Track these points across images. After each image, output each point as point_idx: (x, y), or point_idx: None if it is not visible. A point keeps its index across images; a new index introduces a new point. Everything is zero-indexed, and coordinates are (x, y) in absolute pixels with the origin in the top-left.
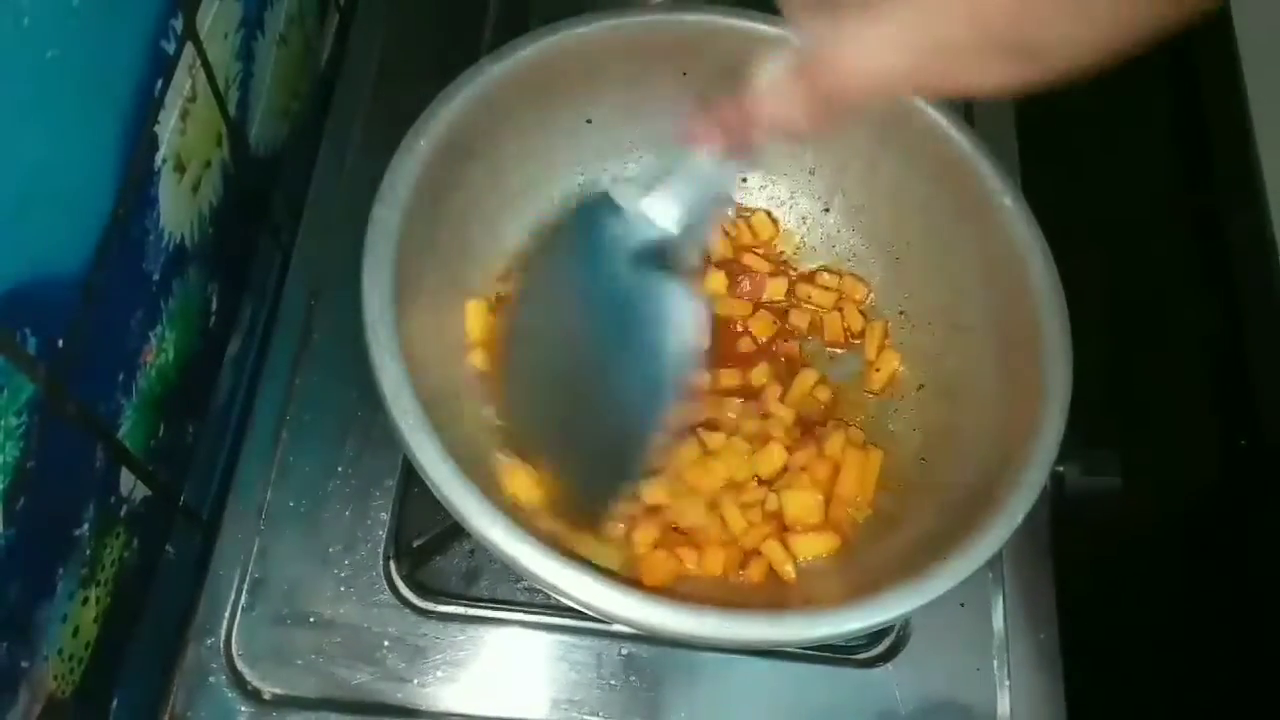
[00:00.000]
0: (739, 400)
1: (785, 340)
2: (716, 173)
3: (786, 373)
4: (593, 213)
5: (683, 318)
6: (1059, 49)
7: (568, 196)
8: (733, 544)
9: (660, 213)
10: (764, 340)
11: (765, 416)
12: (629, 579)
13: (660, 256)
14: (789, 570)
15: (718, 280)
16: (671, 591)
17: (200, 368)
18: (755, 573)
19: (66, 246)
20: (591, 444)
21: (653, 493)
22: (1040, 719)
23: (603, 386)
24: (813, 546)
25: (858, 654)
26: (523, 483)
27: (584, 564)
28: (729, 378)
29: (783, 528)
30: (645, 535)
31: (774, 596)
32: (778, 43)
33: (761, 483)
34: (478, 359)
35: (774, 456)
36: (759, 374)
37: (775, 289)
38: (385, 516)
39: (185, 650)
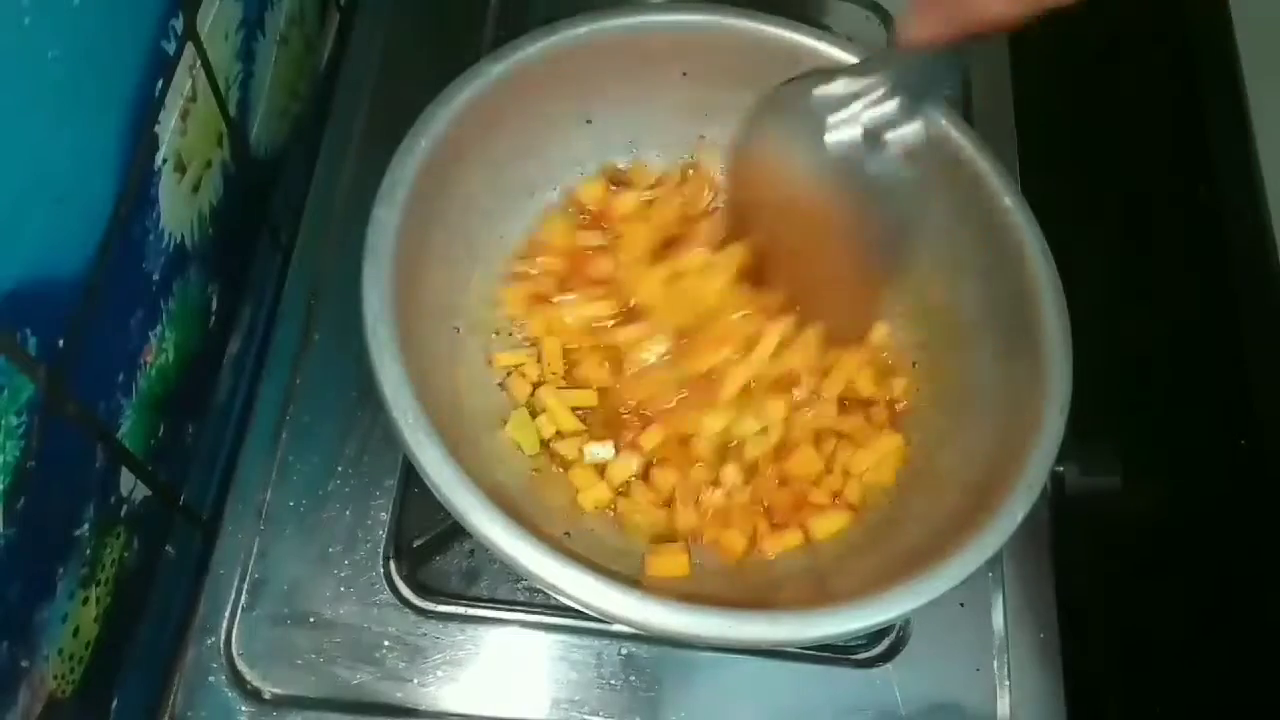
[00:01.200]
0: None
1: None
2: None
3: None
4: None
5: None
6: None
7: (568, 195)
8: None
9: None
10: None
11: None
12: (629, 578)
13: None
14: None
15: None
16: (672, 591)
17: (200, 368)
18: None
19: (67, 247)
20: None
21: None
22: (1040, 719)
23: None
24: (831, 524)
25: (857, 654)
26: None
27: (583, 563)
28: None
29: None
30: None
31: (774, 596)
32: (777, 42)
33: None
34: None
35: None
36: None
37: None
38: (385, 516)
39: (185, 650)
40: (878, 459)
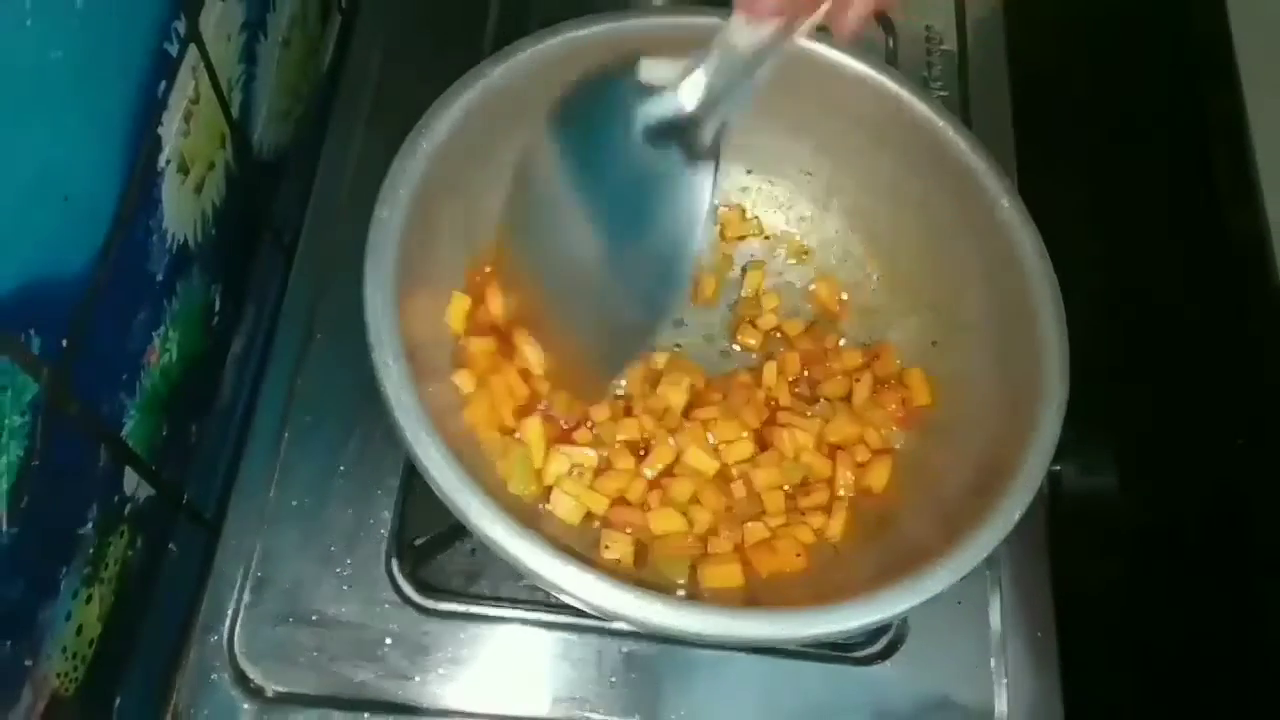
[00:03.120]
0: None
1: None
2: (754, 51)
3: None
4: (610, 84)
5: (691, 200)
6: None
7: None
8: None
9: (686, 88)
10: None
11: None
12: (629, 577)
13: (677, 135)
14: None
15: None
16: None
17: (203, 368)
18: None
19: (71, 247)
20: (593, 318)
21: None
22: (1037, 717)
23: (606, 263)
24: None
25: (855, 652)
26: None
27: (583, 562)
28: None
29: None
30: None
31: (774, 596)
32: None
33: None
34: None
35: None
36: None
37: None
38: (388, 515)
39: (188, 648)
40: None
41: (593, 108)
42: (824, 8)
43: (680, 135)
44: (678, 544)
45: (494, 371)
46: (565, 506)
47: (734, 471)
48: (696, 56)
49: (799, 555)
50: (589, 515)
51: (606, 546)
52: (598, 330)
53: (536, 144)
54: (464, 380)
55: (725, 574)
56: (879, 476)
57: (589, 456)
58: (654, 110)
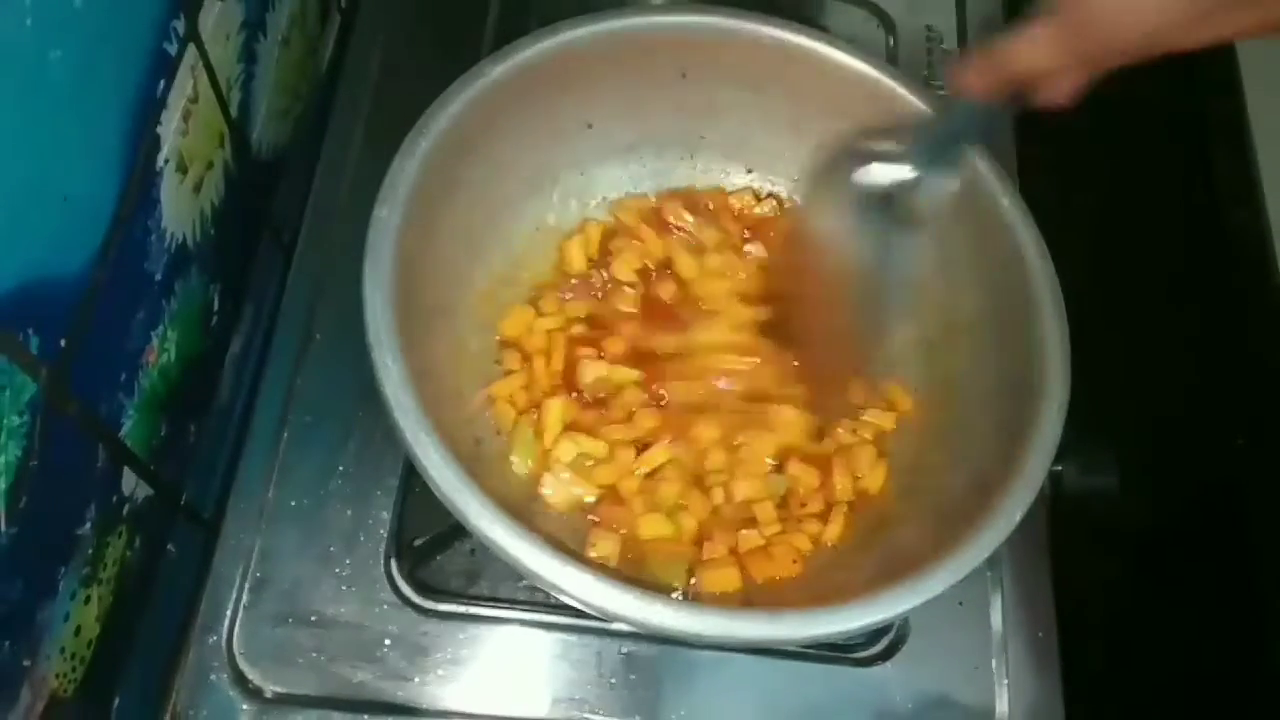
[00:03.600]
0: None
1: None
2: (970, 121)
3: None
4: (840, 159)
5: (899, 265)
6: None
7: (567, 197)
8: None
9: (896, 160)
10: None
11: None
12: (629, 577)
13: (894, 204)
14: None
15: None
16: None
17: (202, 368)
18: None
19: (69, 247)
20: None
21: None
22: (1038, 717)
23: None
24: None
25: (856, 652)
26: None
27: (583, 563)
28: None
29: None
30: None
31: (774, 596)
32: (776, 44)
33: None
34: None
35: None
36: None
37: None
38: (387, 516)
39: (187, 649)
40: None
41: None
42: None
43: (894, 204)
44: (672, 548)
45: (540, 354)
46: (557, 490)
47: (710, 480)
48: (915, 129)
49: (795, 562)
50: (581, 508)
51: (593, 544)
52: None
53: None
54: (511, 358)
55: (723, 578)
56: (875, 479)
57: (599, 448)
58: (882, 179)
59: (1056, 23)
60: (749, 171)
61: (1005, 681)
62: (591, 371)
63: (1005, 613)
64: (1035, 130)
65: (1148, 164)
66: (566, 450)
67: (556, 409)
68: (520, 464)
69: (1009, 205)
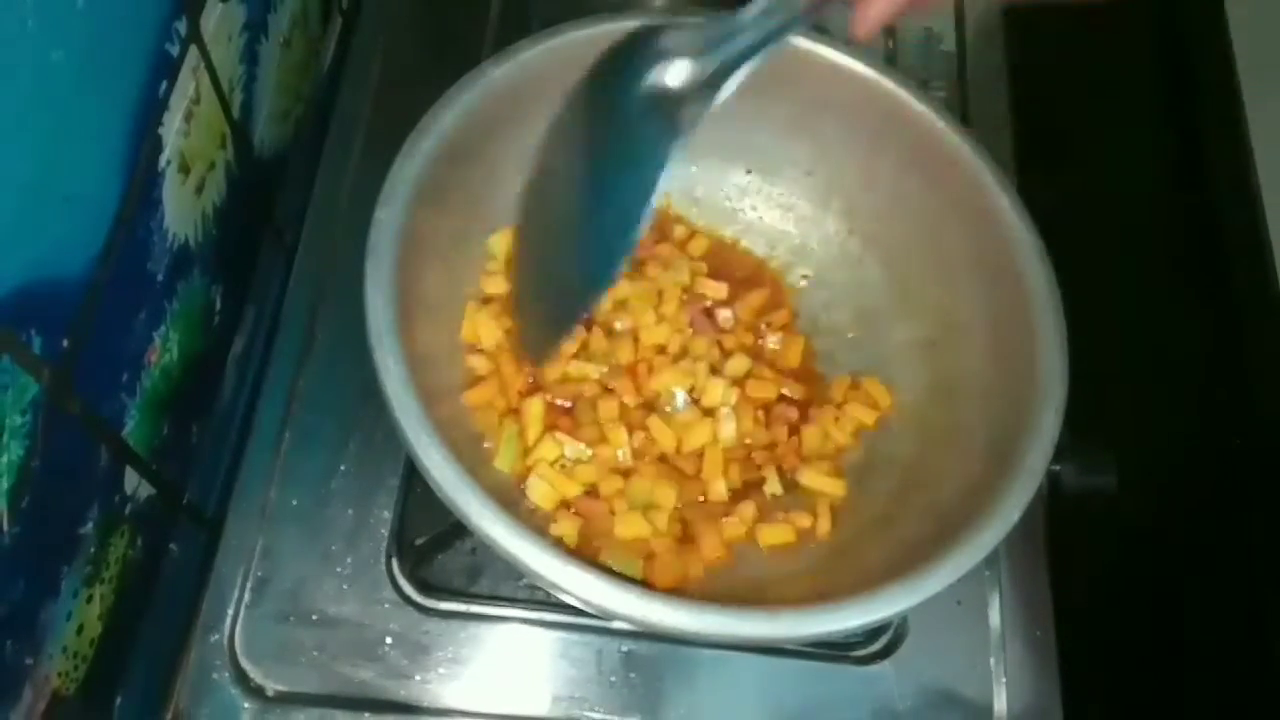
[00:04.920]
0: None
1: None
2: (779, 31)
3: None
4: (629, 50)
5: (655, 167)
6: None
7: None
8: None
9: (692, 62)
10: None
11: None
12: (628, 577)
13: (667, 104)
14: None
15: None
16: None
17: (204, 368)
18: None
19: (71, 247)
20: (552, 277)
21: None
22: (1037, 716)
23: (573, 223)
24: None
25: (855, 651)
26: (486, 327)
27: (583, 562)
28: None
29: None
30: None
31: (772, 593)
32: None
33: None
34: (478, 363)
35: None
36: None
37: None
38: (388, 515)
39: (189, 648)
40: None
41: (612, 64)
42: None
43: (669, 105)
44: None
45: (505, 353)
46: (539, 491)
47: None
48: (710, 28)
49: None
50: (563, 504)
51: (555, 521)
52: (557, 288)
53: (564, 104)
54: (478, 362)
55: (671, 567)
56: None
57: (581, 450)
58: (658, 77)
59: None
60: (748, 172)
61: (1003, 680)
62: (551, 369)
63: (1004, 612)
64: (1035, 130)
65: (1146, 164)
66: (550, 449)
67: (536, 407)
68: (503, 464)
69: (1008, 205)
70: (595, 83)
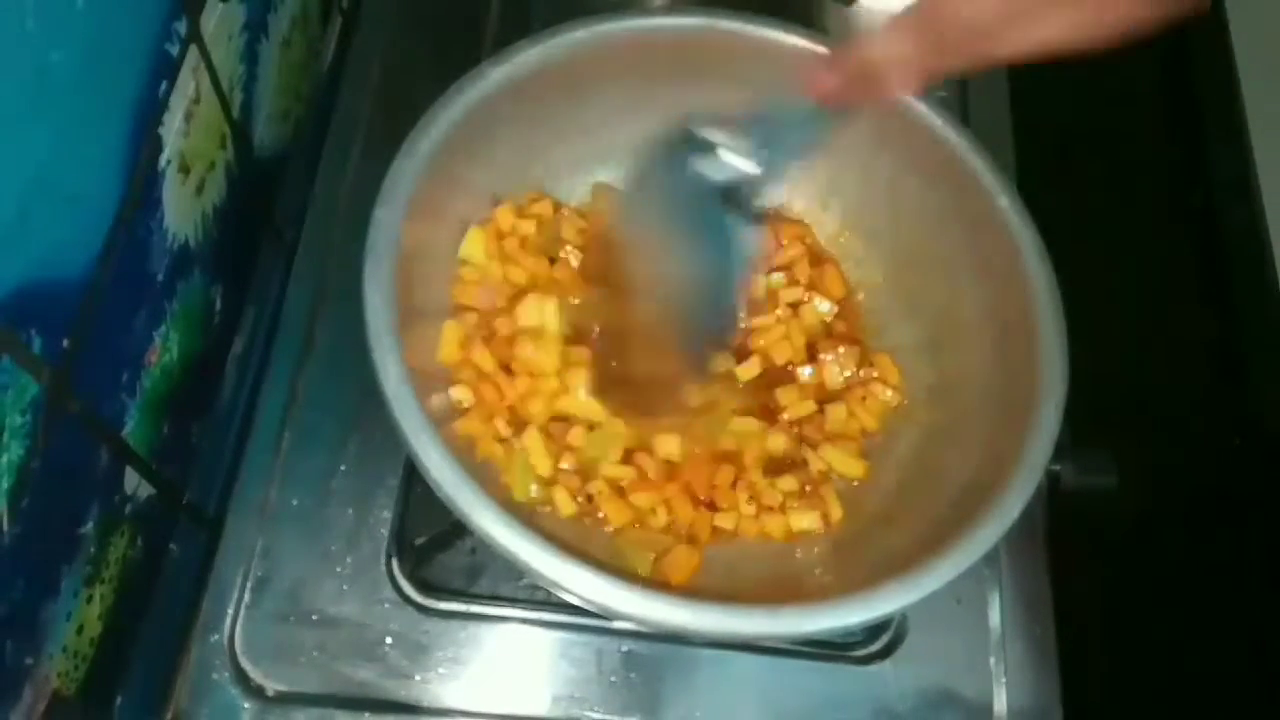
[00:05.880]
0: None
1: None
2: (810, 122)
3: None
4: (678, 148)
5: (740, 256)
6: None
7: (568, 198)
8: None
9: (741, 155)
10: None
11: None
12: (628, 577)
13: (732, 196)
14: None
15: None
16: (673, 586)
17: (204, 367)
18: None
19: (72, 248)
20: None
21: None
22: (1037, 715)
23: (665, 304)
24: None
25: (855, 650)
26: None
27: (583, 560)
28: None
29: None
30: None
31: (772, 591)
32: (776, 47)
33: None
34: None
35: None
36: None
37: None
38: (388, 515)
39: (189, 648)
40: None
41: (665, 167)
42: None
43: (732, 197)
44: (640, 534)
45: (485, 382)
46: (561, 498)
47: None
48: (753, 124)
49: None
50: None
51: (553, 500)
52: (666, 352)
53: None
54: (461, 394)
55: (682, 560)
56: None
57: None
58: (718, 174)
59: (915, 13)
60: None
61: (1003, 679)
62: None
63: (1004, 611)
64: (1034, 130)
65: (1146, 164)
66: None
67: (535, 441)
68: (522, 493)
69: (1007, 205)
70: (651, 178)
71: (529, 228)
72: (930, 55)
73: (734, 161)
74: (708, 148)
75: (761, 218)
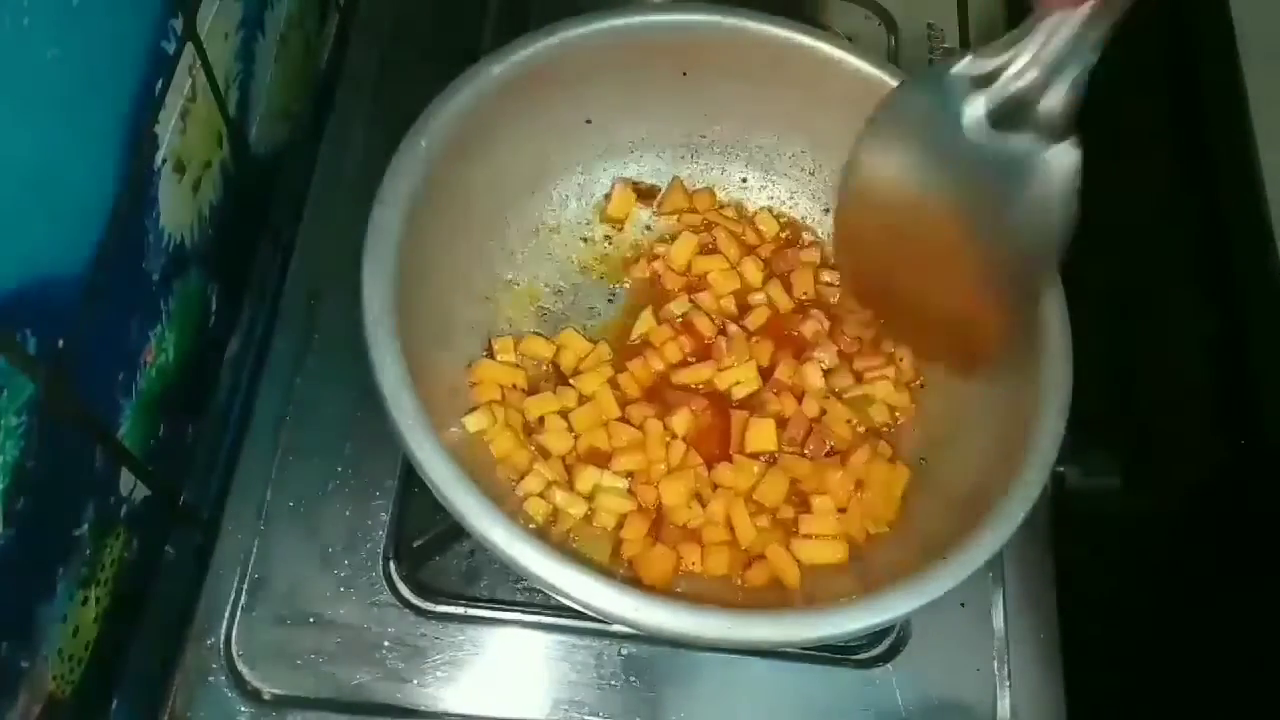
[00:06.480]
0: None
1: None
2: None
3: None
4: (930, 85)
5: (1052, 178)
6: None
7: (567, 197)
8: (737, 546)
9: (1017, 65)
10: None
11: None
12: (628, 578)
13: (1024, 115)
14: (793, 576)
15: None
16: (671, 591)
17: (200, 368)
18: (758, 576)
19: (67, 247)
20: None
21: (672, 494)
22: (1041, 719)
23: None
24: (820, 554)
25: (858, 654)
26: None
27: (583, 564)
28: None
29: (790, 533)
30: (635, 531)
31: (774, 597)
32: (779, 43)
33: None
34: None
35: (780, 484)
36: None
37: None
38: (385, 517)
39: (185, 650)
40: (884, 492)
41: (916, 115)
42: None
43: (1027, 113)
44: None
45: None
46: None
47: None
48: (1020, 35)
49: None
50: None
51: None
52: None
53: (861, 158)
54: (480, 420)
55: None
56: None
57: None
58: (990, 96)
59: None
60: (748, 170)
61: (1007, 683)
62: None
63: (1007, 614)
64: None
65: (1150, 163)
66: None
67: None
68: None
69: None
70: (902, 132)
71: (519, 378)
72: None
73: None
74: (974, 81)
75: (1068, 128)
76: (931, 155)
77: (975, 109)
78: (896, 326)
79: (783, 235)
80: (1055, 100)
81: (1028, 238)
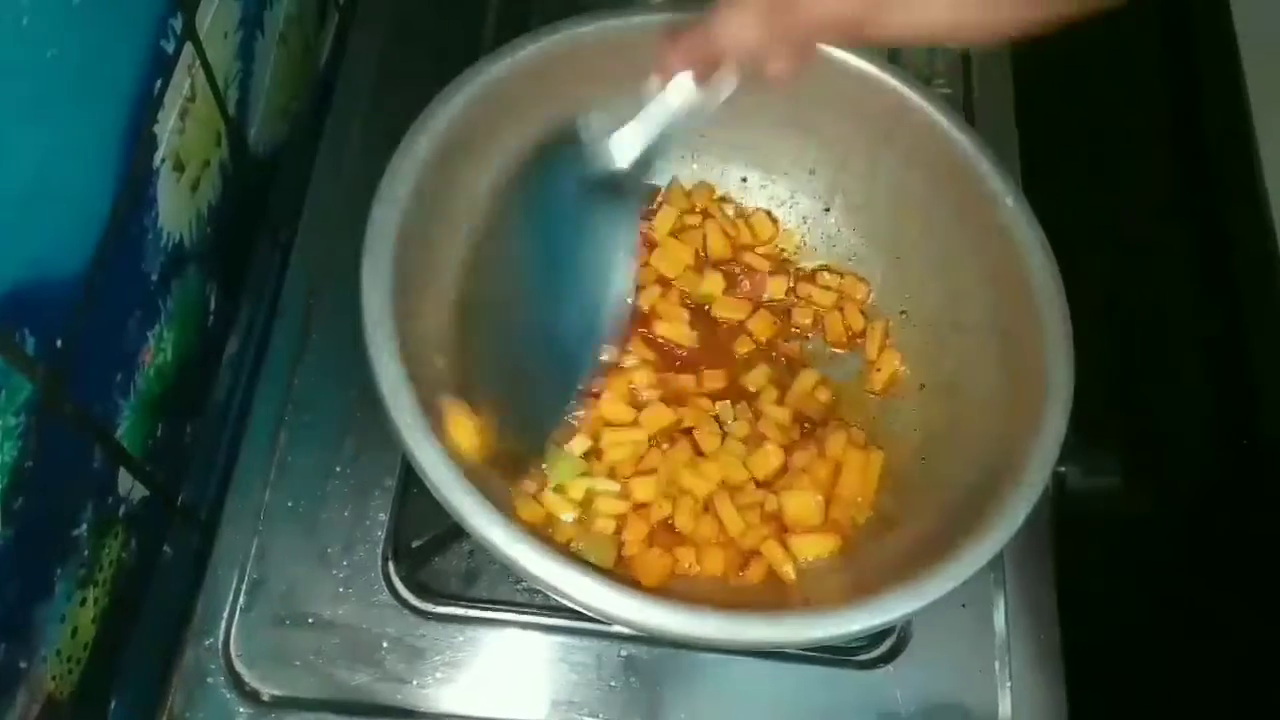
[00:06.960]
0: (730, 402)
1: (786, 340)
2: (683, 110)
3: (787, 373)
4: (554, 147)
5: (619, 255)
6: None
7: None
8: (731, 545)
9: (619, 146)
10: (763, 341)
11: (759, 417)
12: (628, 579)
13: (613, 191)
14: (789, 571)
15: (715, 281)
16: (670, 592)
17: (198, 367)
18: (755, 574)
19: (65, 247)
20: (523, 379)
21: (644, 491)
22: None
23: (539, 320)
24: (813, 547)
25: (858, 655)
26: (465, 429)
27: (583, 565)
28: (716, 379)
29: (782, 529)
30: (635, 533)
31: (774, 597)
32: None
33: (759, 485)
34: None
35: (769, 458)
36: (756, 376)
37: (776, 287)
38: (384, 517)
39: (183, 651)
40: (860, 476)
41: (543, 168)
42: (730, 69)
43: (612, 186)
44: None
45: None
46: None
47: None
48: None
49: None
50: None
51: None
52: (536, 382)
53: (498, 205)
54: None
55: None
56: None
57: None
58: (591, 168)
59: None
60: (749, 170)
61: (1008, 684)
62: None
63: (1008, 615)
64: (1040, 128)
65: (1152, 164)
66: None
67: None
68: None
69: (1012, 205)
70: (530, 180)
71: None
72: (786, 37)
73: (609, 154)
74: (582, 146)
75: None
76: (543, 212)
77: (578, 176)
78: None
79: (779, 247)
80: (632, 179)
81: (593, 298)
